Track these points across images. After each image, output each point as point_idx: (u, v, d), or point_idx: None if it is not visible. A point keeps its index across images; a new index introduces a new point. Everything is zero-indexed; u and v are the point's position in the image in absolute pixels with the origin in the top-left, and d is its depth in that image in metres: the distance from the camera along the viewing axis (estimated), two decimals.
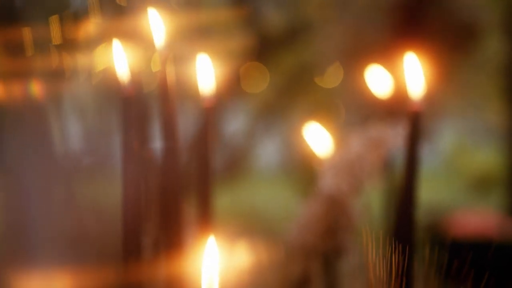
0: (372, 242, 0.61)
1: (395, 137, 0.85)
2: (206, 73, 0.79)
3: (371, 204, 0.92)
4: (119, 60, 0.71)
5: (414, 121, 0.74)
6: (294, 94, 1.87)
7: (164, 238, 0.76)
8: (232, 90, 1.87)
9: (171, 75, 0.75)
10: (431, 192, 1.92)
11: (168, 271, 0.72)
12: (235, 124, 1.90)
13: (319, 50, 1.78)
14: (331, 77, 1.81)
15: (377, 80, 1.01)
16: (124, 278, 0.68)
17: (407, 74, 0.73)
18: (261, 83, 1.88)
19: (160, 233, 0.78)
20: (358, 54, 1.56)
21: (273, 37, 1.87)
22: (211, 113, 0.79)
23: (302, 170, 1.69)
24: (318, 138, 0.96)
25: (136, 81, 0.83)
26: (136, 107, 0.93)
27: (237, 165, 1.90)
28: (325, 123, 1.00)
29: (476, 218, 1.66)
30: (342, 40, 1.67)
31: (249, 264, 0.78)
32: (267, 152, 1.94)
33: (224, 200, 1.90)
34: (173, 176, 0.79)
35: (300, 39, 1.87)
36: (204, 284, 0.52)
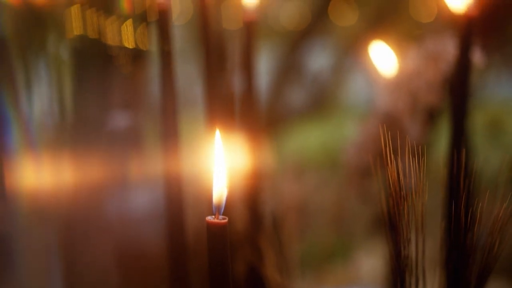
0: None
1: (455, 49, 0.80)
2: None
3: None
4: None
5: (467, 26, 0.69)
6: (385, 27, 1.80)
7: None
8: (320, 24, 1.82)
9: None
10: None
11: None
12: (323, 59, 1.86)
13: None
14: (424, 9, 1.73)
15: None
16: None
17: None
18: (350, 16, 1.82)
19: None
20: None
21: None
22: (253, 27, 0.77)
23: None
24: (383, 57, 0.92)
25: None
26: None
27: (325, 101, 1.87)
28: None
29: None
30: None
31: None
32: (356, 88, 1.89)
33: (312, 136, 1.88)
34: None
35: None
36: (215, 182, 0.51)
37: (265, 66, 1.76)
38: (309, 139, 1.79)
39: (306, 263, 1.23)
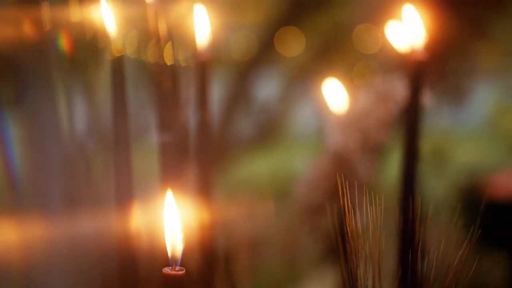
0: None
1: (403, 90, 0.81)
2: (202, 25, 0.76)
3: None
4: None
5: (416, 70, 0.70)
6: (331, 57, 1.83)
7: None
8: (267, 54, 1.84)
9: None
10: (472, 154, 1.86)
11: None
12: (270, 89, 1.88)
13: (355, 11, 1.74)
14: (368, 41, 1.76)
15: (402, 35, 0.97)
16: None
17: (406, 24, 0.69)
18: (296, 47, 1.84)
19: None
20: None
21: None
22: (207, 67, 0.77)
23: None
24: (334, 95, 0.93)
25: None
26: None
27: (273, 130, 1.88)
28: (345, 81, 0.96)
29: None
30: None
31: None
32: (303, 117, 1.90)
33: (259, 166, 1.88)
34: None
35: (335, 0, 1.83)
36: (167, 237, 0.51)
37: (213, 95, 1.76)
38: (257, 169, 1.79)
39: None
